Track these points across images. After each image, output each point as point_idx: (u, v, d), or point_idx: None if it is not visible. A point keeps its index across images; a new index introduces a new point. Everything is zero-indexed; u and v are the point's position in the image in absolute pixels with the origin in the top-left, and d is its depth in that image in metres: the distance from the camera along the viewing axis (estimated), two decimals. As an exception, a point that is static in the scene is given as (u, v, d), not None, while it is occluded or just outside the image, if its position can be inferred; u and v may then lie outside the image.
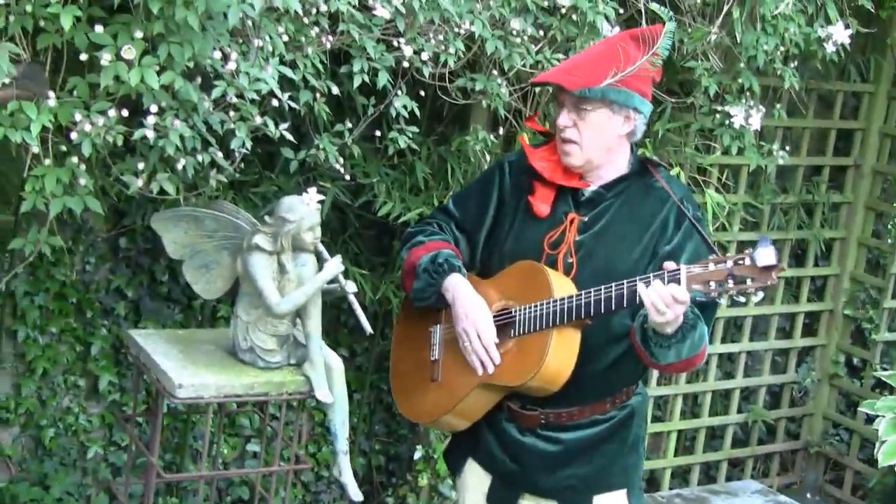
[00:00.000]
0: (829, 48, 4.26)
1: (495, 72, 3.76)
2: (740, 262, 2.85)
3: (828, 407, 5.88)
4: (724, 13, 4.01)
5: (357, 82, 3.33)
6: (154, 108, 2.51)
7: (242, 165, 4.28)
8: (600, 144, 3.17)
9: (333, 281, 3.27)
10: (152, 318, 4.40)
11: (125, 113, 2.57)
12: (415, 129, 3.62)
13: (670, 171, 3.46)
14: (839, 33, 4.25)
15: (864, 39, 5.49)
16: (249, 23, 2.62)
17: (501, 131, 4.07)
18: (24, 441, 4.39)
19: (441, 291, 3.27)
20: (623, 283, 3.00)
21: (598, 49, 3.32)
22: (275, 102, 2.81)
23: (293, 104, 2.99)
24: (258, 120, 2.77)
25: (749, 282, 2.84)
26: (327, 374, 3.27)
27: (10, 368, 4.33)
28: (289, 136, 3.05)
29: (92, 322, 4.40)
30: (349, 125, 3.49)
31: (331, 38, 3.18)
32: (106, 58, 2.42)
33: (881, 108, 5.56)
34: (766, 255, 2.80)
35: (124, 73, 2.41)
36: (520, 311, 3.17)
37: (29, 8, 2.37)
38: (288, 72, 2.77)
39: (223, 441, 4.48)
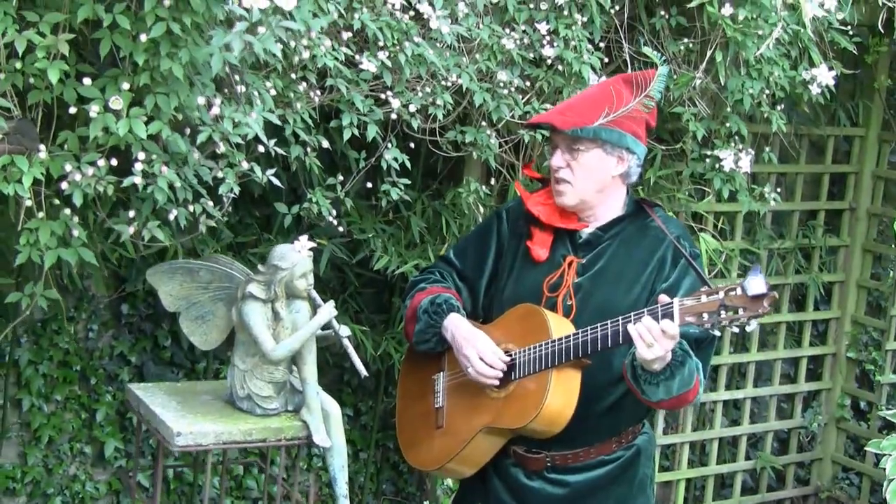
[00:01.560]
0: (815, 90, 4.31)
1: (484, 123, 3.82)
2: (731, 292, 2.88)
3: (836, 451, 5.86)
4: (707, 58, 4.07)
5: (347, 135, 3.39)
6: (142, 156, 2.57)
7: (239, 223, 4.41)
8: (593, 185, 3.22)
9: (328, 327, 3.31)
10: (156, 382, 4.43)
11: (114, 162, 2.63)
12: (406, 181, 3.68)
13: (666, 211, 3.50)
14: (823, 75, 4.30)
15: (851, 84, 5.57)
16: (236, 76, 2.68)
17: (494, 182, 4.12)
18: (32, 511, 4.41)
19: (441, 332, 3.31)
20: (619, 320, 3.03)
21: (591, 91, 3.39)
22: (261, 148, 2.86)
23: (280, 151, 3.05)
24: (245, 165, 2.83)
25: (741, 311, 2.87)
26: (325, 420, 3.30)
27: (15, 438, 4.36)
28: (276, 182, 3.10)
29: (96, 389, 4.44)
30: (341, 178, 3.54)
31: (319, 93, 3.24)
32: (94, 109, 2.49)
33: (872, 152, 5.62)
34: (756, 284, 2.84)
35: (113, 125, 2.47)
36: (520, 353, 3.20)
37: (18, 65, 2.45)
38: (273, 118, 2.83)
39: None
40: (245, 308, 3.19)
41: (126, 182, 2.63)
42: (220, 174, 2.79)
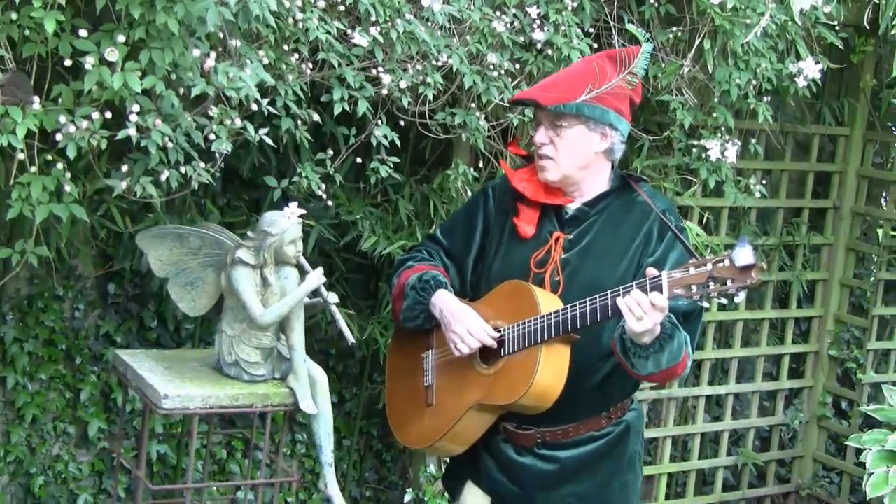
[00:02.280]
0: (801, 83, 4.36)
1: (473, 105, 3.84)
2: (719, 263, 2.90)
3: (817, 449, 5.89)
4: (695, 47, 4.11)
5: (338, 110, 3.41)
6: (136, 108, 2.59)
7: (228, 205, 4.42)
8: (576, 160, 3.24)
9: (316, 294, 3.32)
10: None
11: (108, 115, 2.64)
12: (396, 159, 3.69)
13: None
14: (809, 68, 4.34)
15: (837, 84, 5.63)
16: (230, 35, 2.70)
17: (482, 165, 4.14)
18: (14, 490, 4.39)
19: (429, 309, 3.32)
20: (607, 294, 3.05)
21: (575, 67, 3.42)
22: (254, 106, 2.88)
23: (272, 110, 3.06)
24: (238, 123, 2.85)
25: (729, 283, 2.89)
26: (311, 387, 3.31)
27: (-1, 416, 4.36)
28: (268, 140, 3.11)
29: (81, 368, 4.43)
30: (331, 153, 3.56)
31: (310, 66, 3.26)
32: (90, 62, 2.51)
33: (857, 151, 5.67)
34: (744, 255, 2.86)
35: (108, 78, 2.49)
36: (509, 329, 3.21)
37: (14, 16, 2.46)
38: (267, 76, 2.85)
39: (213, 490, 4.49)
40: (234, 273, 3.21)
41: (120, 135, 2.65)
42: (212, 134, 2.80)
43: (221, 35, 2.73)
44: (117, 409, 4.45)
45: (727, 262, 2.89)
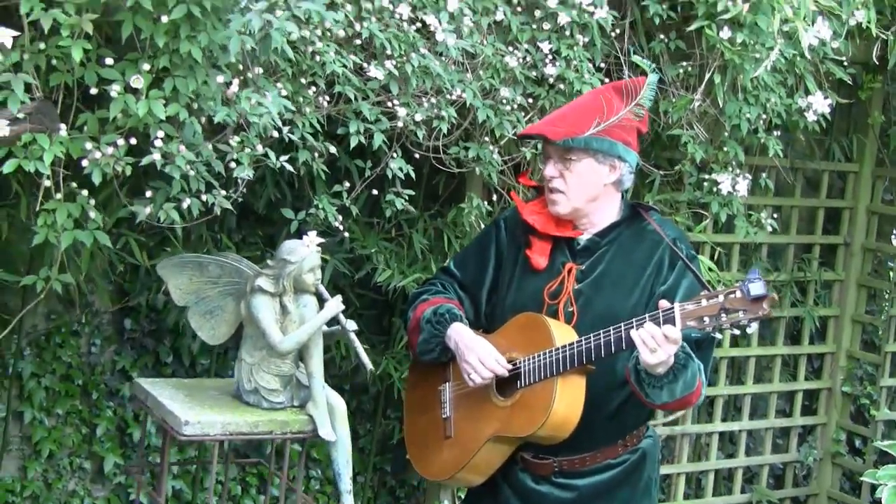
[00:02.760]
0: (811, 117, 4.40)
1: (487, 139, 3.89)
2: (731, 295, 2.93)
3: (832, 487, 5.87)
4: (705, 81, 4.16)
5: (353, 143, 3.46)
6: (161, 134, 2.64)
7: (243, 241, 4.47)
8: (586, 193, 3.28)
9: (335, 323, 3.36)
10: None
11: (133, 141, 2.70)
12: (411, 192, 3.74)
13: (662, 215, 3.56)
14: (819, 103, 4.38)
15: (846, 121, 5.67)
16: (248, 61, 2.76)
17: (495, 198, 4.18)
18: (30, 525, 4.42)
19: (445, 342, 3.35)
20: (621, 327, 3.07)
21: (582, 100, 3.46)
22: (275, 134, 2.93)
23: (293, 137, 3.11)
24: (259, 149, 2.89)
25: (741, 314, 2.92)
26: (330, 414, 3.33)
27: (16, 451, 4.38)
28: (289, 167, 3.17)
29: (97, 403, 4.47)
30: (347, 185, 3.61)
31: (327, 98, 3.31)
32: (115, 89, 2.57)
33: (867, 187, 5.69)
34: (756, 286, 2.89)
35: (132, 105, 2.55)
36: (524, 361, 3.24)
37: (42, 46, 2.52)
38: (287, 103, 2.90)
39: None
40: (254, 301, 3.24)
41: (145, 160, 2.70)
42: (233, 162, 2.85)
43: (241, 67, 2.79)
44: (133, 444, 4.48)
45: (739, 294, 2.92)
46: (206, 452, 4.39)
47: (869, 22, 4.43)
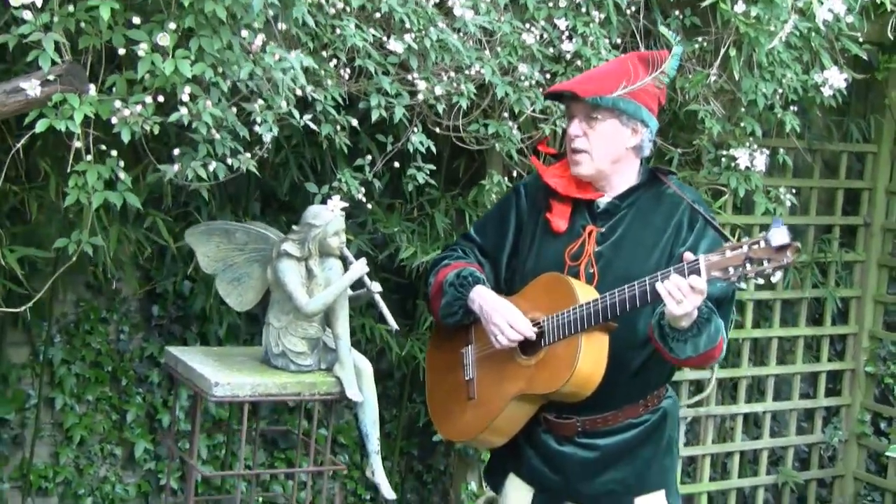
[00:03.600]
0: (827, 92, 4.43)
1: (506, 115, 3.94)
2: (755, 245, 2.95)
3: (858, 468, 5.88)
4: (721, 55, 4.20)
5: (375, 116, 3.51)
6: (188, 89, 2.70)
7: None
8: (609, 154, 3.32)
9: (360, 287, 3.41)
10: (182, 384, 4.52)
11: (161, 99, 2.77)
12: (432, 166, 3.79)
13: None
14: (835, 78, 4.42)
15: (863, 102, 5.70)
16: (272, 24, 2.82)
17: (515, 174, 4.23)
18: (63, 511, 4.47)
19: (468, 304, 3.39)
20: (645, 281, 3.11)
21: (609, 65, 3.51)
22: (298, 92, 2.98)
23: (317, 96, 3.16)
24: (284, 106, 2.95)
25: (766, 263, 2.94)
26: (357, 377, 3.38)
27: (47, 438, 4.44)
28: (312, 126, 3.22)
29: (126, 390, 4.53)
30: (370, 158, 3.66)
31: (348, 71, 3.37)
32: (143, 47, 2.64)
33: (885, 168, 5.72)
34: (779, 235, 2.91)
35: (160, 64, 2.61)
36: (548, 320, 3.28)
37: (71, 9, 2.59)
38: (310, 61, 2.96)
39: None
40: (280, 265, 3.30)
41: (172, 118, 2.76)
42: (258, 120, 2.91)
43: (263, 32, 2.84)
44: (162, 429, 4.53)
45: (763, 244, 2.95)
46: (234, 436, 4.44)
47: (883, -2, 4.47)
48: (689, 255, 3.05)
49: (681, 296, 3.01)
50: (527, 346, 3.33)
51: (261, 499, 4.52)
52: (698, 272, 3.00)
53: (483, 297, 3.37)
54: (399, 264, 4.40)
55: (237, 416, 4.26)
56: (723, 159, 4.52)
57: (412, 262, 4.28)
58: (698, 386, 5.41)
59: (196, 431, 3.32)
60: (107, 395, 4.50)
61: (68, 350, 4.41)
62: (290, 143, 4.27)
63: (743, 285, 3.05)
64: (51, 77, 2.65)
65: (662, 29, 3.54)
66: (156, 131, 2.73)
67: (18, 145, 2.94)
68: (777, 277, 2.94)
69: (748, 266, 2.96)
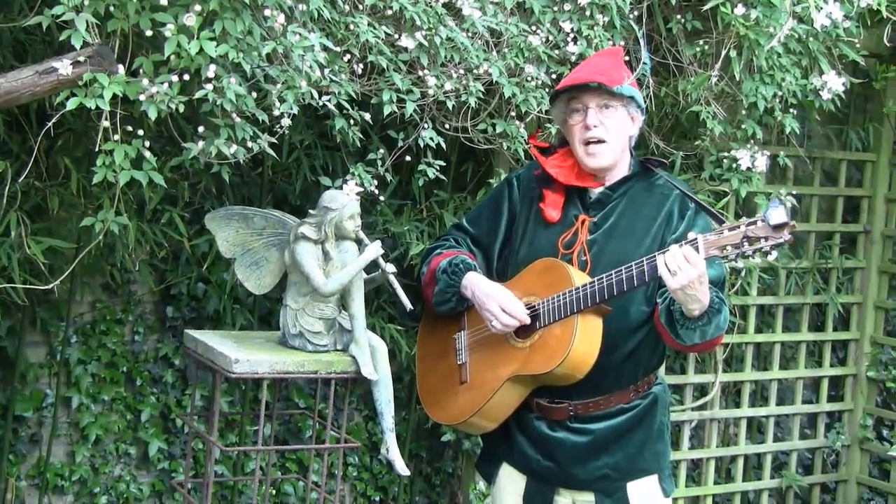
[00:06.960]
0: (826, 96, 4.53)
1: (513, 114, 4.05)
2: (753, 224, 3.04)
3: (861, 472, 5.94)
4: (722, 58, 4.31)
5: (386, 111, 3.62)
6: (213, 67, 2.81)
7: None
8: (621, 143, 3.42)
9: (375, 269, 3.50)
10: (199, 385, 4.60)
11: (186, 77, 2.88)
12: (442, 162, 3.89)
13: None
14: (833, 81, 4.52)
15: (862, 112, 5.81)
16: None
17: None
18: (78, 510, 4.54)
19: (461, 291, 3.47)
20: (643, 261, 3.18)
21: (606, 56, 3.58)
22: (317, 72, 3.08)
23: (334, 78, 3.26)
24: (304, 87, 3.05)
25: (763, 241, 3.02)
26: (372, 355, 3.47)
27: (64, 437, 4.52)
28: (332, 108, 3.32)
29: (141, 390, 4.61)
30: (381, 152, 3.76)
31: (361, 66, 3.48)
32: (170, 28, 2.75)
33: (884, 176, 5.82)
34: (777, 214, 3.00)
35: (185, 44, 2.73)
36: (543, 303, 3.35)
37: (100, -7, 2.72)
38: (328, 43, 3.07)
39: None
40: (297, 248, 3.40)
41: (198, 94, 2.87)
42: (276, 103, 3.02)
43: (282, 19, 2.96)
44: (176, 429, 4.61)
45: (760, 223, 3.03)
46: (246, 439, 4.52)
47: (879, 4, 4.57)
48: (689, 235, 3.12)
49: (675, 266, 3.06)
50: (521, 329, 3.39)
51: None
52: (696, 249, 3.08)
53: (475, 284, 3.44)
54: (407, 266, 4.49)
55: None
56: (724, 161, 4.62)
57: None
58: (702, 390, 5.49)
59: (216, 411, 3.41)
60: (122, 395, 4.58)
61: (84, 350, 4.50)
62: (302, 144, 4.38)
63: (741, 264, 3.12)
64: (81, 58, 2.77)
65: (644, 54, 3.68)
66: (181, 110, 2.84)
67: (47, 127, 3.01)
68: (773, 256, 3.01)
69: (746, 245, 3.03)
